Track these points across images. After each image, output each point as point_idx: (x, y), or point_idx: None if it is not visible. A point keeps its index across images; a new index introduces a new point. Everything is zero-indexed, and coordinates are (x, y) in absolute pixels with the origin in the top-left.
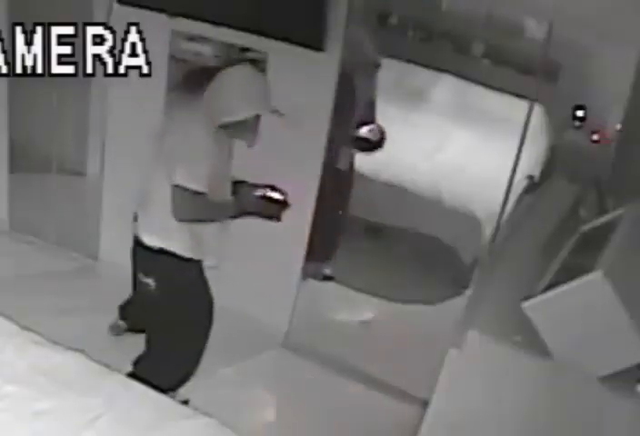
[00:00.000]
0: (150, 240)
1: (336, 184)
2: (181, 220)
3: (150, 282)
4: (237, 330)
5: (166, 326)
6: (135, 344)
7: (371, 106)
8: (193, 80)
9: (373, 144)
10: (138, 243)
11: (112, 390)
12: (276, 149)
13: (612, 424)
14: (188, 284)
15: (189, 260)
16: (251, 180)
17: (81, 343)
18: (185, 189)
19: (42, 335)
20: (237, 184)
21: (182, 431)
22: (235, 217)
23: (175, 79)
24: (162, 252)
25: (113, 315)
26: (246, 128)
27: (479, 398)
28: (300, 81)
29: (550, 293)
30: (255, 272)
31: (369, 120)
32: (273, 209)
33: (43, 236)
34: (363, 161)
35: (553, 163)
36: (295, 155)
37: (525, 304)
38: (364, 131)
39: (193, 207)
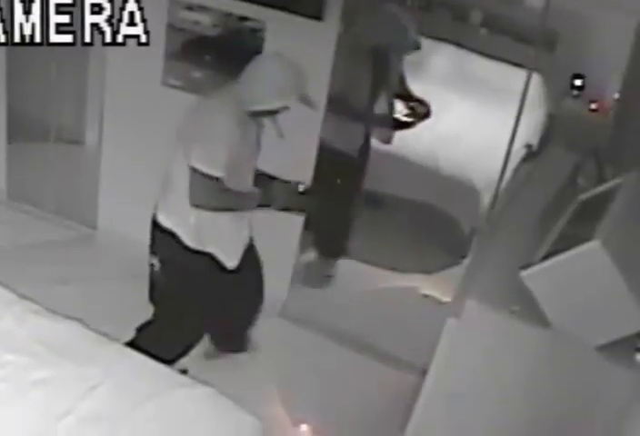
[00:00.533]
0: (162, 219)
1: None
2: (196, 205)
3: (155, 262)
4: None
5: (168, 304)
6: (135, 314)
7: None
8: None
9: (413, 121)
10: (154, 222)
11: (110, 359)
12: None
13: (611, 393)
14: (191, 274)
15: (196, 251)
16: None
17: (79, 312)
18: (202, 173)
19: (40, 304)
20: (263, 177)
21: (180, 400)
22: (255, 209)
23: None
24: (170, 234)
25: (111, 284)
26: (277, 118)
27: (478, 367)
28: (298, 50)
29: (548, 262)
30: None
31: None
32: (302, 202)
33: (41, 205)
34: None
35: (551, 132)
36: (291, 127)
37: (524, 273)
38: (402, 108)
39: (209, 193)
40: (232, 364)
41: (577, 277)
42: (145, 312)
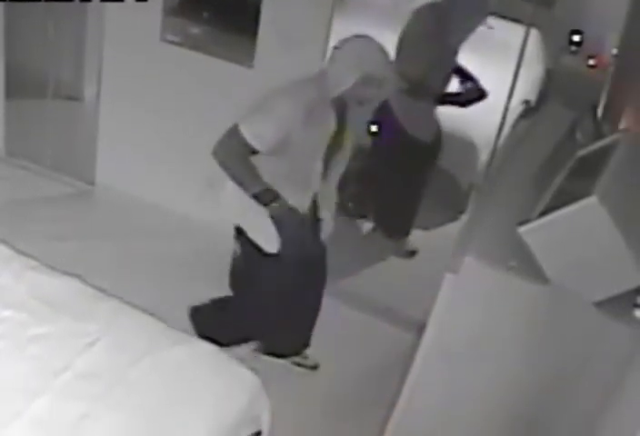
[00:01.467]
0: None
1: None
2: (215, 155)
3: (237, 249)
4: None
5: (245, 291)
6: (134, 269)
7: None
8: None
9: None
10: None
11: (108, 315)
12: (273, 74)
13: (610, 349)
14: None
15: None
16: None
17: (78, 269)
18: (241, 138)
19: (38, 260)
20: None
21: (178, 357)
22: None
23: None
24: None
25: (109, 240)
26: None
27: (475, 322)
28: (296, 5)
29: (546, 218)
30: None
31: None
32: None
33: (39, 162)
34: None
35: (549, 88)
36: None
37: (521, 229)
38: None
39: (234, 153)
40: None
41: (575, 233)
42: (143, 267)
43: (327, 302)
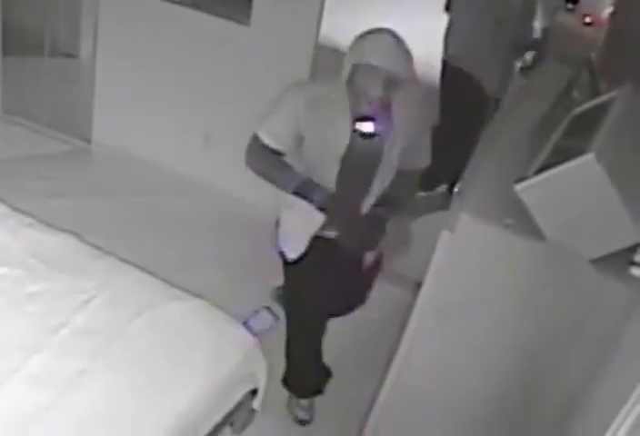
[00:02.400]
0: None
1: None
2: (248, 165)
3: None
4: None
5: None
6: (130, 227)
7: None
8: None
9: None
10: None
11: (104, 272)
12: (270, 32)
13: (605, 306)
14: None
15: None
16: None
17: (74, 226)
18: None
19: (35, 218)
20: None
21: (174, 313)
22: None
23: None
24: None
25: (105, 197)
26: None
27: (472, 280)
28: None
29: (542, 176)
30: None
31: None
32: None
33: (35, 119)
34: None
35: (546, 46)
36: (288, 34)
37: (518, 187)
38: None
39: (262, 157)
40: None
41: (571, 190)
42: (140, 224)
43: None
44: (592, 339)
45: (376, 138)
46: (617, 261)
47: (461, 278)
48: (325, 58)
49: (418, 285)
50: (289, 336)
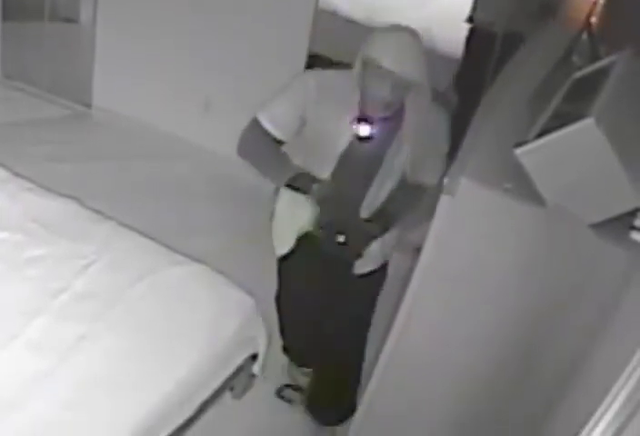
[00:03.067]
0: None
1: None
2: (240, 151)
3: None
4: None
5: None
6: (130, 192)
7: None
8: None
9: None
10: None
11: (105, 237)
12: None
13: (606, 271)
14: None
15: None
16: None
17: (74, 190)
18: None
19: (35, 182)
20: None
21: (174, 277)
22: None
23: None
24: None
25: (105, 162)
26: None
27: (471, 245)
28: None
29: (542, 140)
30: None
31: None
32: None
33: (35, 84)
34: (355, 6)
35: (545, 9)
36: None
37: (518, 151)
38: None
39: (258, 144)
40: None
41: (571, 155)
42: (140, 188)
43: None
44: (592, 304)
45: (377, 142)
46: (617, 225)
47: (461, 243)
48: (325, 23)
49: (418, 250)
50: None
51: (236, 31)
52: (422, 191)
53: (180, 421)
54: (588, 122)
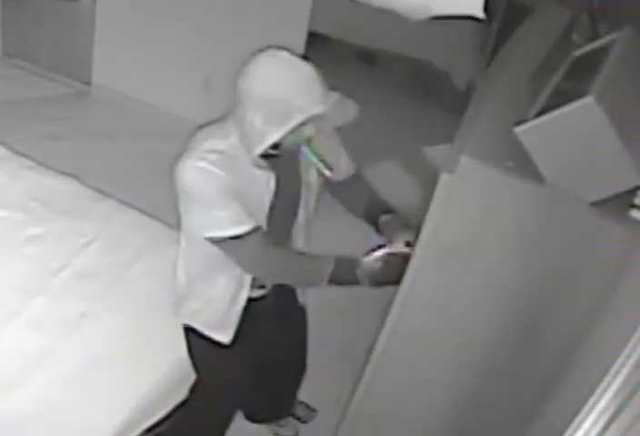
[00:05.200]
0: None
1: None
2: (254, 272)
3: None
4: None
5: None
6: (131, 170)
7: None
8: None
9: None
10: None
11: (105, 215)
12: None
13: (606, 249)
14: None
15: None
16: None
17: (74, 169)
18: None
19: (35, 160)
20: None
21: (173, 255)
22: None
23: None
24: None
25: (105, 140)
26: None
27: (471, 223)
28: None
29: (542, 118)
30: None
31: None
32: None
33: (35, 61)
34: None
35: None
36: None
37: (518, 129)
38: None
39: (261, 256)
40: None
41: (572, 133)
42: (140, 167)
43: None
44: (592, 282)
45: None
46: (618, 204)
47: (460, 221)
48: (325, 1)
49: (417, 228)
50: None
51: (236, 8)
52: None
53: (179, 399)
54: (588, 100)
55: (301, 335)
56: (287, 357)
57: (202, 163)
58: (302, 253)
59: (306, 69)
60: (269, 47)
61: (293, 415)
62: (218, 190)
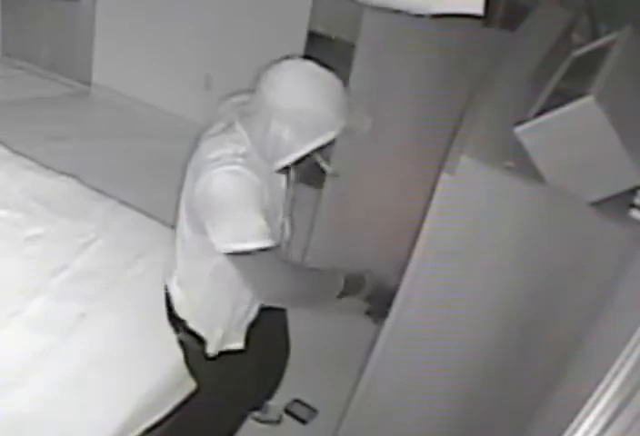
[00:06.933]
0: None
1: None
2: (276, 296)
3: None
4: None
5: None
6: (131, 170)
7: None
8: None
9: None
10: None
11: (105, 215)
12: None
13: (605, 249)
14: None
15: None
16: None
17: (74, 169)
18: None
19: (35, 160)
20: None
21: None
22: None
23: None
24: None
25: (105, 140)
26: None
27: (471, 224)
28: None
29: (542, 118)
30: None
31: None
32: None
33: (35, 62)
34: None
35: None
36: None
37: (517, 129)
38: None
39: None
40: None
41: (572, 133)
42: (139, 167)
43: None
44: (591, 282)
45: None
46: (617, 204)
47: (460, 221)
48: (325, 1)
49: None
50: None
51: (236, 8)
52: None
53: (179, 400)
54: (588, 100)
55: (282, 317)
56: (274, 345)
57: (234, 167)
58: (315, 269)
59: (334, 81)
60: (291, 57)
61: (292, 415)
62: (254, 195)
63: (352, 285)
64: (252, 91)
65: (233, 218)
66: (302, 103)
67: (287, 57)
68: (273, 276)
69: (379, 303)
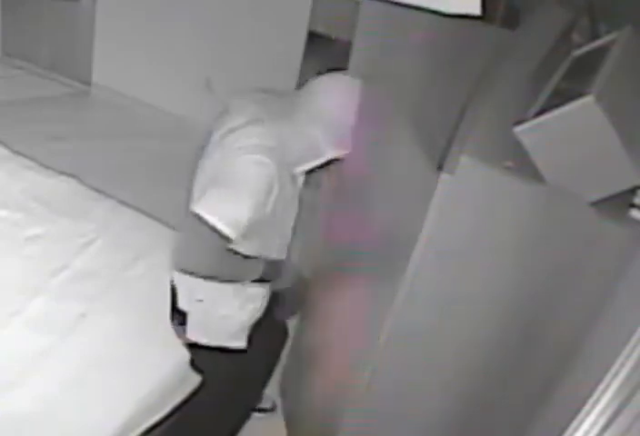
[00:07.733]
0: None
1: None
2: (182, 266)
3: None
4: None
5: None
6: (130, 170)
7: None
8: None
9: None
10: None
11: (104, 215)
12: None
13: (605, 249)
14: None
15: None
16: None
17: (74, 169)
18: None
19: (35, 160)
20: None
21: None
22: None
23: None
24: None
25: (105, 140)
26: None
27: (471, 223)
28: None
29: (542, 118)
30: None
31: None
32: None
33: (35, 62)
34: None
35: None
36: None
37: (517, 129)
38: None
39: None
40: None
41: (571, 133)
42: (139, 167)
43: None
44: (592, 282)
45: None
46: (617, 203)
47: (461, 221)
48: (325, 1)
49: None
50: None
51: (236, 8)
52: None
53: (179, 400)
54: (588, 100)
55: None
56: (275, 340)
57: (258, 156)
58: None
59: None
60: (338, 72)
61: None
62: (264, 186)
63: (270, 271)
64: (269, 91)
65: (226, 194)
66: (341, 113)
67: (335, 70)
68: (202, 258)
69: (292, 299)
